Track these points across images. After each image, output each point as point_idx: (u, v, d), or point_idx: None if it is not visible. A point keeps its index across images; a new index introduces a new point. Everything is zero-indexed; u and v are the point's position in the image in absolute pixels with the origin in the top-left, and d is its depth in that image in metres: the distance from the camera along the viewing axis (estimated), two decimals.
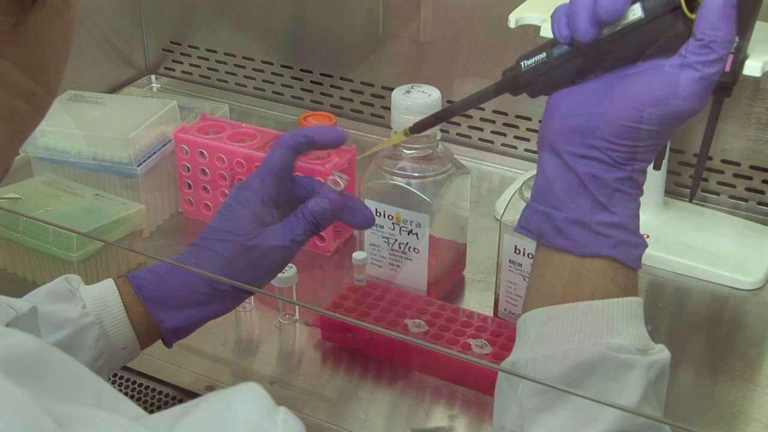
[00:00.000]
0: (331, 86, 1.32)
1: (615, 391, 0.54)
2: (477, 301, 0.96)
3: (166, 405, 0.86)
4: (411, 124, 0.87)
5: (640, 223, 0.58)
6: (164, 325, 0.71)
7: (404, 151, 0.89)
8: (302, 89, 1.34)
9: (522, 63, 0.60)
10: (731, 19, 0.53)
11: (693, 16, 0.54)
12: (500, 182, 1.19)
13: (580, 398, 0.52)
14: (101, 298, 0.71)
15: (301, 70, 1.33)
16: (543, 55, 0.58)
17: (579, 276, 0.56)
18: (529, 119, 1.19)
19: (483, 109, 1.21)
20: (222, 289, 0.71)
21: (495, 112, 1.20)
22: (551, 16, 0.58)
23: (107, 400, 0.40)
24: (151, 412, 0.60)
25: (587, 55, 0.57)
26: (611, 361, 0.54)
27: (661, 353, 0.56)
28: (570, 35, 0.56)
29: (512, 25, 0.96)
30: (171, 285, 0.71)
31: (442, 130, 0.90)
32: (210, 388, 0.86)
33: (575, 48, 0.57)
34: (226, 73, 1.39)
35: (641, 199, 0.58)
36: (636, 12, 0.55)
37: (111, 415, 0.38)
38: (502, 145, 1.22)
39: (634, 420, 0.53)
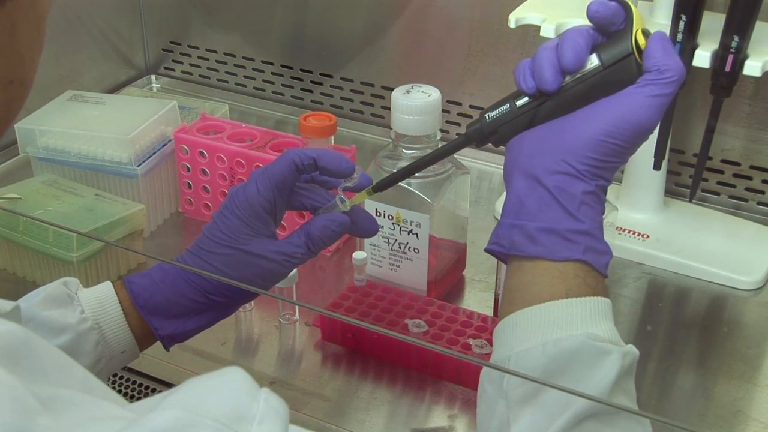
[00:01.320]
0: (331, 86, 1.31)
1: (592, 374, 0.56)
2: (477, 301, 0.96)
3: None
4: (411, 124, 0.88)
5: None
6: (159, 332, 0.71)
7: (404, 151, 0.89)
8: (302, 89, 1.34)
9: (486, 115, 0.64)
10: (673, 52, 0.60)
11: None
12: (500, 182, 1.19)
13: (562, 385, 0.54)
14: (99, 303, 0.71)
15: (301, 70, 1.33)
16: (507, 106, 0.63)
17: (552, 278, 0.59)
18: None
19: (482, 108, 1.20)
20: (216, 299, 0.71)
21: None
22: (514, 72, 0.62)
23: (92, 389, 0.40)
24: None
25: (549, 103, 0.61)
26: (589, 349, 0.56)
27: (632, 348, 0.58)
28: (535, 86, 0.61)
29: (512, 25, 0.96)
30: (165, 292, 0.70)
31: (442, 131, 0.90)
32: None
33: (537, 97, 0.61)
34: (226, 73, 1.39)
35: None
36: (593, 61, 0.60)
37: (96, 398, 0.38)
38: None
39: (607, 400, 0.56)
